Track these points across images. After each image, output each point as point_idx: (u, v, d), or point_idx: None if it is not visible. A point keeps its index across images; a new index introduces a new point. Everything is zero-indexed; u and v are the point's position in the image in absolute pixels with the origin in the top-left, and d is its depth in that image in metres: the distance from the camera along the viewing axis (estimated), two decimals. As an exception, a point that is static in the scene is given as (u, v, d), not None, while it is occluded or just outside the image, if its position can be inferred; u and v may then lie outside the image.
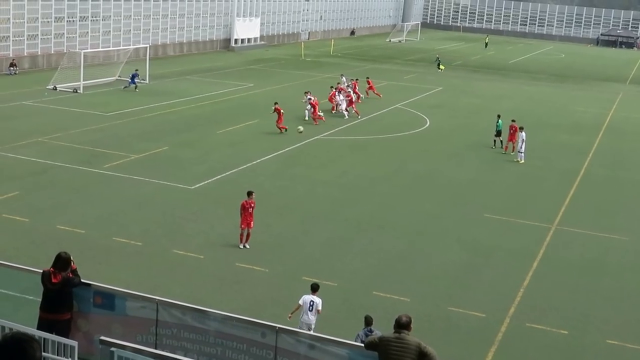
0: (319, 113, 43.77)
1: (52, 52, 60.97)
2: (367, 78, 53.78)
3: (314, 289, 17.50)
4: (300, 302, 17.28)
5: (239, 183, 30.72)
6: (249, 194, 23.84)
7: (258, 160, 35.04)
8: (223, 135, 39.96)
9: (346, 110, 46.61)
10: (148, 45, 61.70)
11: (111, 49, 63.08)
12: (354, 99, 48.36)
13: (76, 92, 49.34)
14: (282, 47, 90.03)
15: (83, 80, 50.12)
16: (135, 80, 51.23)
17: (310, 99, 44.31)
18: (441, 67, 77.42)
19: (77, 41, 63.17)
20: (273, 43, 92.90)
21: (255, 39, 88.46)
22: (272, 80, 59.07)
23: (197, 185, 30.28)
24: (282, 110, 40.57)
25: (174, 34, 76.10)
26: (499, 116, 41.79)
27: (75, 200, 27.27)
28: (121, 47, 62.96)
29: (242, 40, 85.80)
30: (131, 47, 63.00)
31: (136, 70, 52.49)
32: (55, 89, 49.55)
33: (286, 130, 40.28)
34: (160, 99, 49.12)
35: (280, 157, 36.07)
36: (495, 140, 41.29)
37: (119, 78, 54.73)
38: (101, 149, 34.74)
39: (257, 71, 66.88)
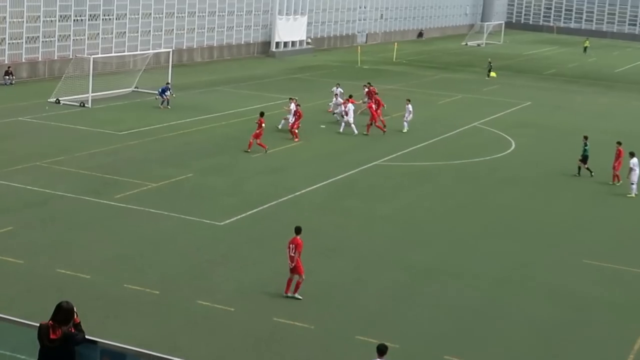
0: (295, 129, 44.11)
1: (55, 57, 61.88)
2: (368, 84, 53.07)
3: (382, 351, 17.49)
4: None
5: (278, 219, 30.67)
6: (299, 231, 23.85)
7: (302, 191, 35.00)
8: (260, 160, 40.00)
9: (354, 124, 47.11)
10: (171, 50, 61.89)
11: (126, 54, 63.61)
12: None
13: (83, 106, 49.79)
14: (333, 53, 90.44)
15: (92, 92, 50.43)
16: (166, 94, 51.47)
17: (295, 108, 44.83)
18: (492, 74, 77.48)
19: (86, 44, 63.98)
20: (322, 47, 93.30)
21: (301, 42, 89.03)
22: (320, 93, 59.04)
23: (228, 221, 30.19)
24: (264, 125, 40.73)
25: (202, 36, 76.94)
26: (585, 138, 41.23)
27: (79, 239, 27.27)
28: (138, 52, 63.55)
29: (285, 44, 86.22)
30: (150, 51, 63.62)
31: (167, 83, 52.83)
32: (59, 103, 50.11)
33: (266, 150, 40.77)
34: (185, 115, 49.43)
35: (329, 187, 36.07)
36: (579, 168, 40.77)
37: (136, 89, 55.35)
38: (112, 176, 35.03)
39: (302, 82, 67.10)
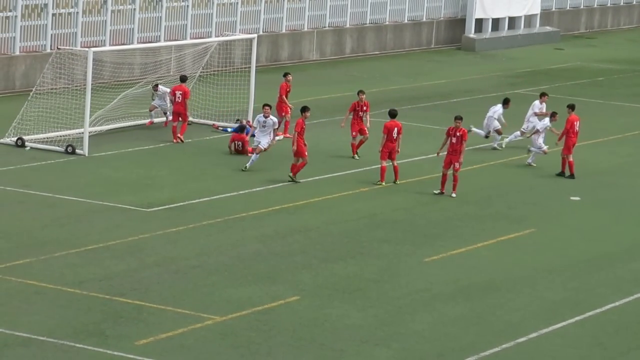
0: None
1: (17, 52, 46.34)
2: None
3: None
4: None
5: None
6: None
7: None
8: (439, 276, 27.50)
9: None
10: (255, 37, 44.19)
11: (161, 44, 46.98)
12: None
13: (73, 152, 37.81)
14: (597, 42, 63.40)
15: (90, 126, 38.15)
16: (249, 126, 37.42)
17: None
18: None
19: (78, 25, 47.36)
20: (573, 30, 65.39)
21: (530, 19, 61.75)
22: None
23: None
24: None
25: (321, 9, 53.28)
26: None
27: None
28: (187, 41, 47.19)
29: (494, 25, 59.78)
30: (212, 39, 46.07)
31: (239, 120, 38.45)
32: (21, 146, 38.08)
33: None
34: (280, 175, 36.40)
35: None
36: None
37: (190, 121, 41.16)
38: (131, 300, 25.95)
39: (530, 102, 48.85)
